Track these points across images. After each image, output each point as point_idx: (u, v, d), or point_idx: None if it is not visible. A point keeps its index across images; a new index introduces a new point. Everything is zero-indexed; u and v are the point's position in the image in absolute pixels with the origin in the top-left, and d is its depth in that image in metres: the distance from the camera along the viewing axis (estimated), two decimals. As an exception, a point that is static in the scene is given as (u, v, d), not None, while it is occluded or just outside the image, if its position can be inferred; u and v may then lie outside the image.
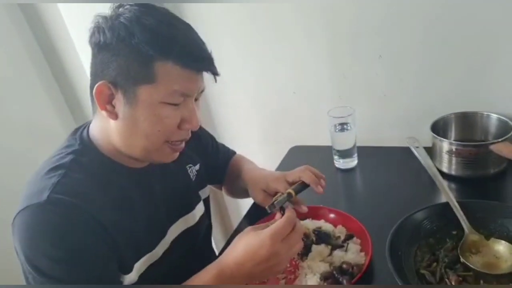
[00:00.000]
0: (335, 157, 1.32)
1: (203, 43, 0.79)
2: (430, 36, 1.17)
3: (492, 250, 0.83)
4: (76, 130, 0.87)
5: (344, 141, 1.28)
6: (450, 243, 0.87)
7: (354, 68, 1.33)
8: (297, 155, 1.50)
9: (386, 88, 1.32)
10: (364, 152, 1.33)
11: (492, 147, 1.03)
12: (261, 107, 1.57)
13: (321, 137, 1.44)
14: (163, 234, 0.91)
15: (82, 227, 0.72)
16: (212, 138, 1.20)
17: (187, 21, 0.80)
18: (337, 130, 1.26)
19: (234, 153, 1.26)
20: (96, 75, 0.76)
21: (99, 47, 0.74)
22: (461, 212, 0.88)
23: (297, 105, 1.49)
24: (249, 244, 0.76)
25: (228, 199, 1.89)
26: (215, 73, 0.80)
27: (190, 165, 1.04)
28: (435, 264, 0.83)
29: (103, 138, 0.82)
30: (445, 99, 1.24)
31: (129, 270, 0.80)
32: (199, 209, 1.03)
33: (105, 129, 0.81)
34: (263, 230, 0.77)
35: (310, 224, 1.02)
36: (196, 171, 1.06)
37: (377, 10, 1.20)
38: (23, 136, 1.58)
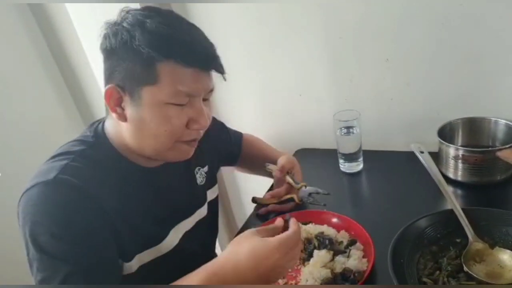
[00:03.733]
0: (341, 160, 1.31)
1: (207, 42, 0.79)
2: (438, 40, 1.16)
3: (496, 259, 0.82)
4: (92, 124, 0.89)
5: (350, 145, 1.27)
6: (453, 251, 0.86)
7: (360, 72, 1.32)
8: (303, 158, 1.48)
9: (393, 92, 1.30)
10: (370, 156, 1.32)
11: (499, 153, 1.01)
12: (267, 109, 1.56)
13: (326, 140, 1.43)
14: (165, 234, 0.91)
15: (84, 208, 0.74)
16: (222, 126, 1.26)
17: (192, 21, 0.80)
18: (342, 134, 1.26)
19: (241, 134, 1.31)
20: (106, 80, 0.78)
21: (107, 53, 0.77)
22: (466, 220, 0.87)
23: (303, 108, 1.48)
24: (254, 251, 0.70)
25: (233, 201, 1.90)
26: (221, 72, 0.80)
27: (199, 167, 1.05)
28: (438, 272, 0.82)
29: (117, 137, 0.84)
30: (452, 104, 1.23)
31: (129, 259, 0.82)
32: (200, 212, 1.03)
33: (119, 130, 0.83)
34: (271, 239, 0.71)
35: (312, 228, 1.01)
36: (205, 173, 1.07)
37: (385, 13, 1.18)
38: (32, 133, 1.62)
